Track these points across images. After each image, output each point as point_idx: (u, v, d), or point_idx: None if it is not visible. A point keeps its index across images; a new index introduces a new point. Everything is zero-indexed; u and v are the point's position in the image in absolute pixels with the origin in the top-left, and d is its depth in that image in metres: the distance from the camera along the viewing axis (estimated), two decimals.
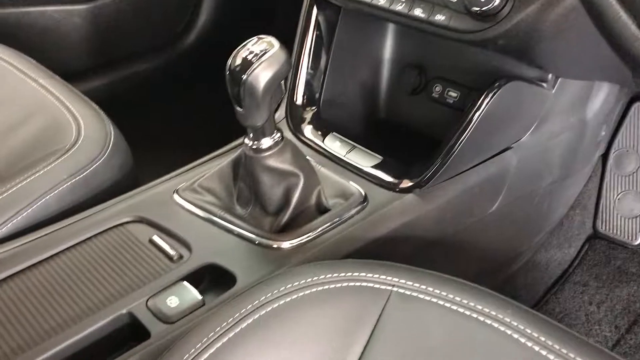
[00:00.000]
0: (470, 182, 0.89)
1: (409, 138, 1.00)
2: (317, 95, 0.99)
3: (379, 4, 0.84)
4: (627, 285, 1.20)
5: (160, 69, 1.55)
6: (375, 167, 0.88)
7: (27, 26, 1.39)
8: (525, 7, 0.72)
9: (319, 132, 0.96)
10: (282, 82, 0.73)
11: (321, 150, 0.93)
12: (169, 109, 1.58)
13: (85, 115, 0.98)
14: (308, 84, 0.99)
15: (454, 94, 0.94)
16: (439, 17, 0.79)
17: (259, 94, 0.70)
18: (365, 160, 0.89)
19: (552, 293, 1.21)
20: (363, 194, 0.84)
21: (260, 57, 0.70)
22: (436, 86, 0.96)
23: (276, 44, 0.71)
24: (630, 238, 1.22)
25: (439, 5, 0.79)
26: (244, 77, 0.70)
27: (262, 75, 0.69)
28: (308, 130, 0.97)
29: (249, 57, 0.70)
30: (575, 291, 1.21)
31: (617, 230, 1.24)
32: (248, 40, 0.72)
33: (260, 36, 0.72)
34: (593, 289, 1.20)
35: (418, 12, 0.80)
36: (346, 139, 0.93)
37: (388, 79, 1.03)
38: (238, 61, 0.71)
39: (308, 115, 0.98)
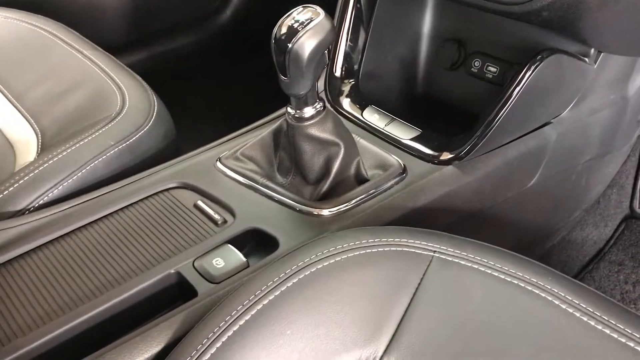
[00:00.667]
0: (510, 156, 0.89)
1: (447, 112, 1.00)
2: (355, 68, 1.00)
3: None
4: None
5: (197, 44, 1.57)
6: (414, 139, 0.89)
7: (68, 1, 1.41)
8: None
9: (357, 105, 0.96)
10: (326, 51, 0.74)
11: (360, 122, 0.94)
12: (207, 83, 1.60)
13: (130, 86, 1.00)
14: (347, 56, 0.99)
15: (493, 69, 0.94)
16: None
17: (303, 62, 0.71)
18: (404, 133, 0.90)
19: (587, 271, 1.20)
20: (402, 165, 0.84)
21: (306, 25, 0.71)
22: (475, 61, 0.96)
23: (321, 12, 0.72)
24: None
25: None
26: (290, 45, 0.71)
27: (307, 44, 0.70)
28: (346, 102, 0.97)
29: (295, 26, 0.71)
30: (610, 270, 1.20)
31: None
32: (293, 9, 0.73)
33: (306, 5, 0.73)
34: (629, 269, 1.19)
35: None
36: (385, 112, 0.94)
37: (427, 53, 1.03)
38: (283, 30, 0.72)
39: (346, 88, 0.99)
